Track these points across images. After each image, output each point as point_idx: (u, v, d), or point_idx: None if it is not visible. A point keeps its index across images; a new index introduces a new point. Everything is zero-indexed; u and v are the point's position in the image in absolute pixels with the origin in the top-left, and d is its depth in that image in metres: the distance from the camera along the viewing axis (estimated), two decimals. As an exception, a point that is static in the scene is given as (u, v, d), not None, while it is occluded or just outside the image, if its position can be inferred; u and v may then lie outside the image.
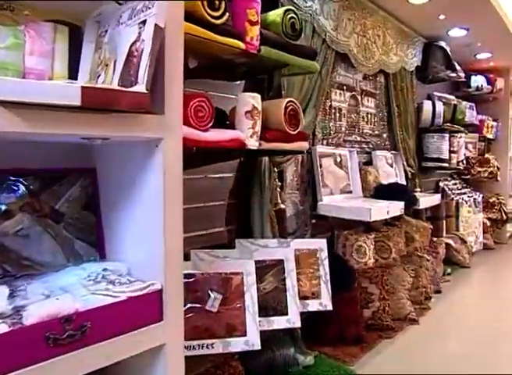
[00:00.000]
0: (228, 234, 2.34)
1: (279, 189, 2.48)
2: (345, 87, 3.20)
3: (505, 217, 5.39)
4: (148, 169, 1.28)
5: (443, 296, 3.61)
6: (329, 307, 2.23)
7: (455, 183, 5.06)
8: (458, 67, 4.30)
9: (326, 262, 2.30)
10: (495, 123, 5.48)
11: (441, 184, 4.92)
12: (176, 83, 1.25)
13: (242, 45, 1.78)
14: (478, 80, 5.06)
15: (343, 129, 3.20)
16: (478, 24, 3.96)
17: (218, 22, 1.70)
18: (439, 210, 4.31)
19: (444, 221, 4.37)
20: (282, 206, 2.47)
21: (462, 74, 4.35)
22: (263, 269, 2.06)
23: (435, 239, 4.11)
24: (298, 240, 2.36)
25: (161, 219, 1.23)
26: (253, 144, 1.86)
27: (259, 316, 1.95)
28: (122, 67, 1.19)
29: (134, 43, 1.18)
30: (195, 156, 2.18)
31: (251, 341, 1.77)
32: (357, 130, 3.37)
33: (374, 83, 3.59)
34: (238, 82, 2.34)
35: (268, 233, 2.36)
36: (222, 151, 1.96)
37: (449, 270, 4.20)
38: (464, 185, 5.17)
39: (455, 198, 4.79)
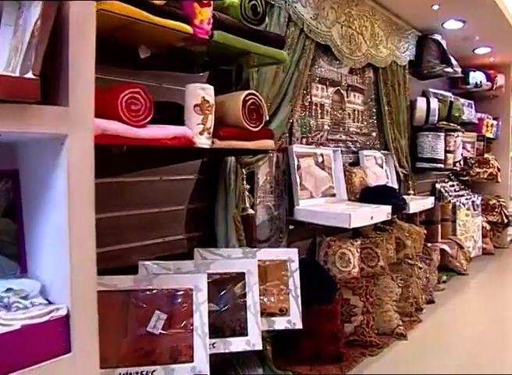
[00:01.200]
0: (188, 243, 2.10)
1: (247, 192, 2.24)
2: (328, 82, 2.96)
3: (506, 220, 5.12)
4: (54, 172, 1.07)
5: (436, 307, 3.36)
6: (299, 325, 1.99)
7: (452, 185, 4.80)
8: (454, 62, 4.05)
9: (297, 275, 2.06)
10: (495, 122, 5.20)
11: (437, 186, 4.66)
12: (85, 71, 1.04)
13: (188, 29, 1.55)
14: (476, 77, 4.80)
15: (326, 127, 2.96)
16: (475, 16, 3.70)
17: (159, 2, 1.48)
18: (434, 214, 4.05)
19: (439, 225, 4.11)
20: (251, 211, 2.24)
21: (459, 69, 4.09)
22: (220, 283, 1.83)
23: (429, 245, 3.86)
24: (266, 249, 2.13)
25: (66, 229, 1.02)
26: (203, 142, 1.63)
27: (214, 336, 1.72)
28: (24, 51, 1.00)
29: (36, 22, 0.98)
30: (147, 156, 1.97)
31: (199, 367, 1.54)
32: (342, 128, 3.12)
33: (361, 77, 3.35)
34: (201, 74, 2.11)
35: (233, 241, 2.13)
36: (177, 150, 1.74)
37: (444, 278, 3.95)
38: (462, 187, 4.91)
39: (452, 201, 4.53)
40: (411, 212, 3.17)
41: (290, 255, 2.08)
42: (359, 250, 2.97)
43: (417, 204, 3.26)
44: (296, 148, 2.63)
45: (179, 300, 1.63)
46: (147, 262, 1.80)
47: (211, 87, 1.67)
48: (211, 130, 1.67)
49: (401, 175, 3.80)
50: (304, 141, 2.75)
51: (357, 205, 2.86)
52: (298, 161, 2.64)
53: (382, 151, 3.63)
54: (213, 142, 1.68)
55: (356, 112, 3.28)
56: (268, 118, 1.91)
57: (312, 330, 2.40)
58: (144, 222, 1.95)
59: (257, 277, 1.87)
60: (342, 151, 3.10)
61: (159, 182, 2.00)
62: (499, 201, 5.12)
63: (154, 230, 1.98)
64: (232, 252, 2.02)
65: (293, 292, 2.02)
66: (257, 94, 1.83)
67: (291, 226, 2.65)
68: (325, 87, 2.93)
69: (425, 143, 3.95)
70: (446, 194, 4.58)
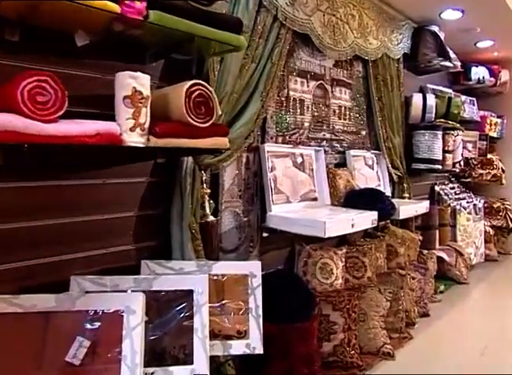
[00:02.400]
0: (138, 254, 1.86)
1: (207, 197, 2.00)
2: (309, 75, 2.70)
3: (511, 225, 4.80)
4: None
5: (431, 320, 3.08)
6: (259, 350, 1.73)
7: (453, 188, 4.51)
8: (453, 55, 3.76)
9: (259, 292, 1.81)
10: (499, 120, 4.89)
11: (436, 189, 4.37)
12: None
13: (114, 7, 1.32)
14: (479, 72, 4.50)
15: (307, 124, 2.70)
16: (475, 5, 3.42)
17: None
18: (431, 218, 3.77)
19: (437, 231, 3.82)
20: (212, 218, 1.99)
21: (458, 63, 3.80)
22: (163, 302, 1.58)
23: (425, 252, 3.58)
24: (224, 262, 1.88)
25: None
26: (134, 140, 1.39)
27: (153, 365, 1.48)
28: None
29: None
30: (86, 157, 1.74)
31: (126, 407, 1.30)
32: (326, 125, 2.86)
33: (349, 71, 3.09)
34: (153, 64, 1.87)
35: (189, 252, 1.89)
36: (122, 150, 1.49)
37: (441, 288, 3.67)
38: (463, 189, 4.61)
39: (452, 204, 4.23)
40: (401, 218, 2.90)
41: (252, 268, 1.83)
42: (344, 259, 2.71)
43: (409, 209, 2.99)
44: (270, 147, 2.38)
45: (107, 324, 1.39)
46: (81, 277, 1.57)
47: (146, 76, 1.43)
48: (146, 126, 1.43)
49: (394, 177, 3.52)
50: (280, 139, 2.50)
51: (341, 210, 2.59)
52: (272, 161, 2.39)
53: (373, 151, 3.36)
54: (148, 140, 1.44)
55: (342, 109, 3.01)
56: (220, 112, 1.67)
57: (284, 350, 2.15)
58: (84, 230, 1.72)
59: (207, 296, 1.62)
60: (326, 150, 2.85)
61: (102, 186, 1.76)
62: (503, 205, 4.81)
63: (96, 239, 1.75)
64: (185, 265, 1.78)
65: (253, 312, 1.77)
66: (206, 84, 1.58)
67: (265, 234, 2.40)
68: (305, 80, 2.68)
69: (421, 142, 3.67)
70: (446, 197, 4.29)
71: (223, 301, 1.77)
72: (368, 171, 3.23)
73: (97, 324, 1.39)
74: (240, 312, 1.77)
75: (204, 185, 2.00)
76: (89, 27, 1.49)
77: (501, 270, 4.41)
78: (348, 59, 3.04)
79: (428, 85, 4.10)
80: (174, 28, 1.48)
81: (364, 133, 3.27)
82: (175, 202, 1.93)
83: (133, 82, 1.38)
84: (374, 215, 2.45)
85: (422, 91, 4.01)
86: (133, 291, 1.56)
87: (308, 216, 2.19)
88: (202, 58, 1.98)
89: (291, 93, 2.56)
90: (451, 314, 3.22)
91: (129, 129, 1.37)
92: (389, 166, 3.43)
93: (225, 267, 1.82)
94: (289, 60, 2.55)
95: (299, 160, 2.58)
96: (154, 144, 1.45)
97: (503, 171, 4.76)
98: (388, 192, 3.41)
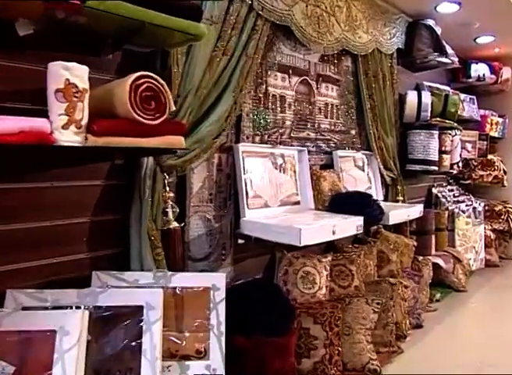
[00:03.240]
0: (91, 263, 1.70)
1: (170, 201, 1.83)
2: (291, 70, 2.53)
3: (513, 229, 4.59)
4: None
5: (424, 332, 2.89)
6: (220, 371, 1.56)
7: (451, 190, 4.30)
8: (450, 50, 3.57)
9: (222, 307, 1.63)
10: (501, 120, 4.68)
11: (434, 191, 4.17)
12: None
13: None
14: (479, 69, 4.30)
15: (289, 122, 2.53)
16: (473, -4, 3.24)
17: None
18: (426, 223, 3.58)
19: (433, 236, 3.62)
20: (175, 224, 1.82)
21: (455, 59, 3.61)
22: (109, 320, 1.42)
23: (420, 258, 3.38)
24: (185, 274, 1.70)
25: None
26: (69, 138, 1.23)
27: (94, 392, 1.31)
28: None
29: None
30: (29, 157, 1.58)
31: None
32: (310, 124, 2.69)
33: (337, 66, 2.91)
34: (109, 57, 1.71)
35: (148, 261, 1.72)
36: (72, 150, 1.32)
37: (437, 296, 3.47)
38: (462, 192, 4.40)
39: (450, 208, 4.04)
40: (391, 223, 2.71)
41: (215, 281, 1.66)
42: (328, 268, 2.52)
43: (400, 213, 2.79)
44: (245, 147, 2.21)
45: (38, 346, 1.23)
46: (16, 292, 1.41)
47: (82, 67, 1.27)
48: (83, 123, 1.27)
49: (387, 179, 3.34)
50: (258, 139, 2.33)
51: (324, 215, 2.42)
52: (248, 163, 2.21)
53: (364, 152, 3.18)
54: (86, 139, 1.27)
55: (329, 107, 2.84)
56: (174, 108, 1.49)
57: (258, 367, 1.98)
58: (29, 238, 1.56)
59: (160, 312, 1.45)
60: (310, 151, 2.67)
61: (50, 189, 1.60)
62: (505, 208, 4.59)
63: (42, 248, 1.58)
64: (140, 277, 1.62)
65: (215, 329, 1.60)
66: (156, 77, 1.41)
67: (240, 241, 2.23)
68: (286, 76, 2.50)
69: (416, 142, 3.48)
70: (444, 200, 4.09)
71: (182, 318, 1.60)
72: (358, 173, 3.04)
73: (27, 347, 1.23)
74: (201, 330, 1.60)
75: (167, 188, 1.83)
76: (27, 15, 1.33)
77: (502, 276, 4.20)
78: (336, 54, 2.87)
79: (425, 82, 3.91)
80: (118, 14, 1.31)
81: (353, 132, 3.09)
82: (133, 207, 1.77)
83: (67, 73, 1.22)
84: (359, 220, 2.27)
85: (418, 88, 3.82)
86: (76, 306, 1.41)
87: (283, 222, 2.02)
88: (167, 51, 1.82)
89: (270, 89, 2.39)
90: (446, 325, 3.02)
91: (62, 126, 1.21)
92: (381, 167, 3.24)
93: (186, 279, 1.66)
94: (268, 54, 2.38)
95: (279, 161, 2.41)
96: (93, 144, 1.28)
97: (504, 172, 4.55)
98: (380, 195, 3.23)
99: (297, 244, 1.88)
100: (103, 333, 1.40)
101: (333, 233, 2.07)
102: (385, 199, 3.42)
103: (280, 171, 2.41)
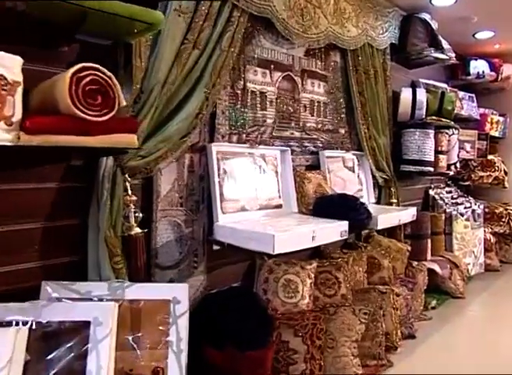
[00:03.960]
0: (43, 273, 1.55)
1: (132, 205, 1.68)
2: (273, 65, 2.38)
3: (515, 232, 4.41)
4: None
5: (416, 344, 2.73)
6: (179, 394, 1.41)
7: (449, 192, 4.13)
8: (447, 46, 3.41)
9: (183, 321, 1.48)
10: (501, 119, 4.50)
11: (431, 193, 4.00)
12: None
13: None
14: (478, 66, 4.13)
15: (270, 121, 2.38)
16: (469, -12, 3.08)
17: None
18: (422, 226, 3.41)
19: (429, 240, 3.46)
20: (137, 231, 1.68)
21: (452, 54, 3.45)
22: (52, 337, 1.27)
23: (415, 264, 3.21)
24: (143, 285, 1.55)
25: None
26: (-6, 135, 1.08)
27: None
28: None
29: None
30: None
31: None
32: (295, 122, 2.53)
33: (324, 62, 2.75)
34: (64, 49, 1.57)
35: (106, 271, 1.58)
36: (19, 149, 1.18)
37: (433, 303, 3.31)
38: (461, 193, 4.22)
39: (448, 210, 3.86)
40: (380, 228, 2.54)
41: (176, 292, 1.51)
42: (313, 275, 2.37)
43: (390, 217, 2.63)
44: (220, 147, 2.06)
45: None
46: None
47: (12, 57, 1.13)
48: (15, 119, 1.13)
49: (380, 180, 3.18)
50: (235, 138, 2.18)
51: (307, 219, 2.26)
52: (223, 163, 2.07)
53: (355, 152, 3.02)
54: (19, 137, 1.13)
55: (315, 104, 2.68)
56: (124, 103, 1.35)
57: (231, 385, 1.84)
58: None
59: (108, 328, 1.31)
60: (294, 151, 2.52)
61: (-4, 192, 1.46)
62: (506, 210, 4.42)
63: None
64: (94, 288, 1.47)
65: (174, 346, 1.45)
66: (103, 69, 1.27)
67: (216, 247, 2.08)
68: (267, 71, 2.35)
69: (411, 142, 3.32)
70: (442, 203, 3.92)
71: (138, 333, 1.46)
72: (348, 174, 2.89)
73: None
74: (158, 347, 1.45)
75: (129, 191, 1.69)
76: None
77: (502, 281, 4.02)
78: (323, 48, 2.72)
79: (421, 80, 3.75)
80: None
81: (342, 131, 2.93)
82: (91, 212, 1.63)
83: (-8, 62, 1.07)
84: (343, 225, 2.11)
85: (414, 85, 3.65)
86: (16, 321, 1.27)
87: (257, 228, 1.86)
88: (130, 44, 1.68)
89: (249, 85, 2.24)
90: (441, 334, 2.86)
91: (-12, 123, 1.06)
92: (373, 168, 3.08)
93: (144, 291, 1.51)
94: (247, 47, 2.23)
95: (259, 162, 2.26)
96: (26, 143, 1.14)
97: (505, 173, 4.38)
98: (372, 197, 3.08)
99: (270, 252, 1.73)
100: (43, 352, 1.26)
101: (313, 239, 1.91)
102: (378, 202, 3.27)
103: (260, 172, 2.26)
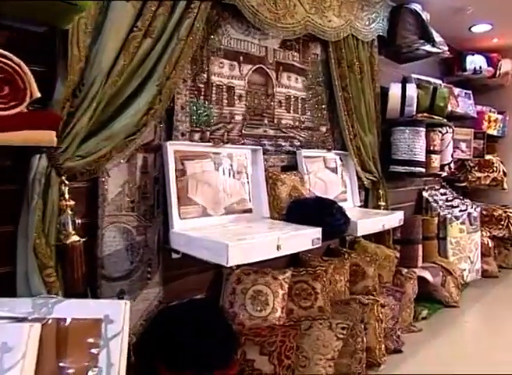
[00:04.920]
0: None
1: (70, 211, 1.50)
2: (242, 57, 2.19)
3: (515, 236, 4.18)
4: None
5: (402, 359, 2.52)
6: None
7: (444, 193, 3.92)
8: (439, 38, 3.20)
9: (116, 344, 1.29)
10: (500, 117, 4.28)
11: (425, 195, 3.79)
12: None
13: None
14: (475, 61, 3.92)
15: (239, 117, 2.18)
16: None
17: None
18: (412, 231, 3.20)
19: (420, 245, 3.25)
20: (74, 239, 1.49)
21: (445, 47, 3.24)
22: None
23: (404, 271, 3.01)
24: (73, 301, 1.36)
25: None
26: None
27: None
28: None
29: None
30: None
31: None
32: (268, 119, 2.34)
33: (303, 54, 2.56)
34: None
35: (36, 284, 1.40)
36: None
37: (424, 313, 3.10)
38: (456, 195, 4.00)
39: (442, 213, 3.65)
40: (360, 234, 2.34)
41: (109, 310, 1.32)
42: (286, 286, 2.18)
43: (372, 223, 2.41)
44: (178, 146, 1.87)
45: None
46: None
47: None
48: None
49: (366, 182, 2.97)
50: (197, 136, 1.99)
51: (279, 226, 2.06)
52: (182, 164, 1.88)
53: (338, 152, 2.82)
54: None
55: (292, 100, 2.48)
56: (38, 94, 1.16)
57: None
58: None
59: (19, 354, 1.12)
60: (268, 150, 2.33)
61: None
62: (506, 212, 4.19)
63: None
64: (17, 304, 1.29)
65: (103, 373, 1.25)
66: (10, 55, 1.08)
67: (175, 255, 1.88)
68: (236, 63, 2.16)
69: (400, 141, 3.11)
70: (436, 205, 3.71)
71: (66, 359, 1.27)
72: (330, 175, 2.69)
73: None
74: (88, 372, 1.26)
75: (66, 195, 1.50)
76: None
77: (500, 288, 3.80)
78: (301, 40, 2.53)
79: (413, 75, 3.53)
80: None
81: (324, 129, 2.73)
82: (21, 218, 1.44)
83: None
84: (316, 233, 1.91)
85: (405, 81, 3.44)
86: None
87: (213, 236, 1.67)
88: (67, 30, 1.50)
89: (214, 78, 2.05)
90: (430, 348, 2.65)
91: None
92: (359, 168, 2.88)
93: (73, 308, 1.32)
94: (212, 37, 2.04)
95: (226, 162, 2.07)
96: None
97: (504, 174, 4.16)
98: (357, 200, 2.87)
99: (224, 264, 1.54)
100: None
101: (278, 248, 1.71)
102: (365, 205, 3.07)
103: (226, 174, 2.07)
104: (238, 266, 2.11)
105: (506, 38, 4.04)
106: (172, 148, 1.83)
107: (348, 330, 2.17)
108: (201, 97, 2.00)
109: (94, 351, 1.28)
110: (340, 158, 2.82)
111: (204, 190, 1.96)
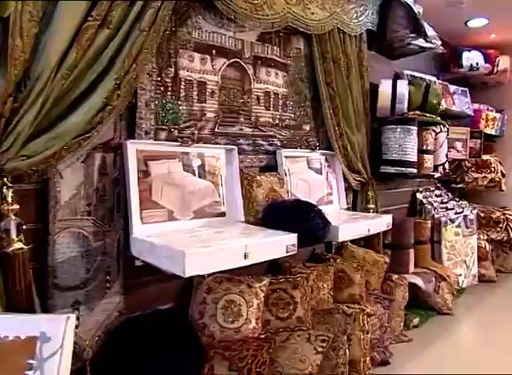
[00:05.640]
0: None
1: (13, 216, 1.37)
2: (214, 50, 2.05)
3: (514, 238, 4.02)
4: None
5: (389, 372, 2.37)
6: None
7: (439, 195, 3.76)
8: (432, 32, 3.06)
9: (53, 364, 1.16)
10: (498, 115, 4.12)
11: (419, 197, 3.64)
12: None
13: None
14: (472, 57, 3.77)
15: (212, 115, 2.05)
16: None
17: None
18: (404, 234, 3.06)
19: (412, 250, 3.10)
20: (16, 246, 1.36)
21: (438, 42, 3.10)
22: None
23: (395, 277, 2.86)
24: (5, 316, 1.23)
25: None
26: None
27: None
28: None
29: None
30: None
31: None
32: (244, 117, 2.20)
33: (284, 48, 2.42)
34: None
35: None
36: None
37: (415, 321, 2.95)
38: (452, 197, 3.85)
39: (437, 216, 3.50)
40: (341, 240, 2.19)
41: (46, 326, 1.18)
42: (262, 295, 2.03)
43: (356, 228, 2.26)
44: (141, 145, 1.74)
45: None
46: None
47: None
48: None
49: (354, 183, 2.83)
50: (164, 135, 1.85)
51: (253, 231, 1.93)
52: (145, 165, 1.75)
53: (323, 151, 2.68)
54: None
55: (272, 96, 2.35)
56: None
57: None
58: None
59: None
60: (245, 150, 2.19)
61: None
62: (504, 215, 4.04)
63: None
64: None
65: (36, 401, 1.12)
66: None
67: (138, 263, 1.75)
68: (208, 57, 2.02)
69: (391, 140, 2.97)
70: (430, 207, 3.56)
71: (-7, 382, 1.14)
72: (314, 176, 2.55)
73: None
74: (16, 401, 1.13)
75: (9, 198, 1.37)
76: None
77: (498, 294, 3.65)
78: (282, 33, 2.40)
79: (406, 71, 3.39)
80: None
81: (307, 128, 2.59)
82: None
83: None
84: (290, 239, 1.77)
85: (398, 77, 3.30)
86: None
87: (171, 243, 1.53)
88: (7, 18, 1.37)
89: (183, 73, 1.91)
90: (420, 360, 2.51)
91: None
92: (345, 169, 2.73)
93: (5, 325, 1.19)
94: (180, 29, 1.90)
95: (196, 163, 1.93)
96: None
97: (502, 175, 4.00)
98: (343, 203, 2.73)
99: (181, 275, 1.40)
100: None
101: (245, 257, 1.58)
102: (354, 207, 2.93)
103: (196, 175, 1.94)
104: (210, 274, 1.97)
105: (504, 34, 3.89)
106: (133, 147, 1.70)
107: (329, 343, 2.03)
108: (168, 93, 1.86)
109: (28, 373, 1.15)
110: (326, 158, 2.68)
111: (170, 192, 1.82)
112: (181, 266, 1.38)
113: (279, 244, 1.74)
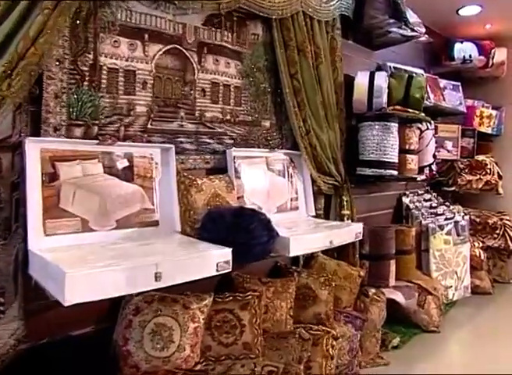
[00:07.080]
0: None
1: None
2: (147, 35, 1.78)
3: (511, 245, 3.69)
4: None
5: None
6: None
7: (429, 199, 3.45)
8: (415, 19, 2.76)
9: None
10: (494, 112, 3.78)
11: (405, 201, 3.33)
12: None
13: None
14: (464, 49, 3.46)
15: (144, 109, 1.78)
16: None
17: None
18: (383, 244, 2.75)
19: (393, 261, 2.79)
20: None
21: (421, 29, 2.80)
22: None
23: (372, 292, 2.56)
24: None
25: None
26: None
27: None
28: None
29: None
30: None
31: None
32: (186, 111, 1.93)
33: (237, 34, 2.14)
34: None
35: None
36: None
37: (395, 341, 2.65)
38: (442, 201, 3.53)
39: (424, 222, 3.19)
40: (293, 254, 1.89)
41: None
42: (202, 317, 1.75)
43: (313, 240, 1.93)
44: (45, 143, 1.47)
45: None
46: None
47: None
48: None
49: (324, 187, 2.53)
50: (79, 131, 1.59)
51: (189, 244, 1.65)
52: (52, 167, 1.48)
53: (287, 151, 2.40)
54: None
55: (221, 88, 2.07)
56: None
57: None
58: None
59: None
60: (186, 149, 1.92)
61: None
62: (501, 220, 3.71)
63: None
64: None
65: None
66: None
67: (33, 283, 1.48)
68: (139, 42, 1.76)
69: (368, 138, 2.67)
70: (417, 213, 3.25)
71: None
72: (274, 179, 2.26)
73: None
74: None
75: None
76: None
77: (492, 307, 3.33)
78: (235, 16, 2.12)
79: (390, 63, 3.10)
80: None
81: (267, 124, 2.31)
82: None
83: None
84: (223, 255, 1.49)
85: (380, 69, 3.00)
86: None
87: (61, 260, 1.25)
88: None
89: (104, 60, 1.65)
90: (395, 388, 2.20)
91: None
92: (313, 171, 2.44)
93: None
94: (101, 10, 1.63)
95: (120, 164, 1.67)
96: None
97: (499, 177, 3.67)
98: (310, 209, 2.44)
99: (62, 301, 1.13)
100: None
101: (156, 278, 1.30)
102: (326, 214, 2.63)
103: (122, 178, 1.67)
104: (139, 293, 1.69)
105: (500, 24, 3.57)
106: (36, 145, 1.44)
107: (281, 369, 1.74)
108: (85, 82, 1.60)
109: None
110: (291, 158, 2.40)
111: (85, 198, 1.55)
112: (61, 291, 1.11)
113: (207, 261, 1.46)
